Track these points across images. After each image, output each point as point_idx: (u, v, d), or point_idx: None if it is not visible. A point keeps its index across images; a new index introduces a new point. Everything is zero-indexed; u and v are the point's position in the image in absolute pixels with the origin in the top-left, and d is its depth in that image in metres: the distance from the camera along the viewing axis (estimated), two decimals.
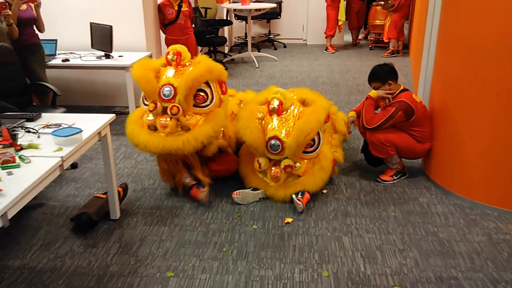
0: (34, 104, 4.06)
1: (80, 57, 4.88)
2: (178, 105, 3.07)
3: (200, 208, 3.26)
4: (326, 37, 8.65)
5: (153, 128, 3.17)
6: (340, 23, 8.49)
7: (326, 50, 8.69)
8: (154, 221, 3.11)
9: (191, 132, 3.12)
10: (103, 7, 5.09)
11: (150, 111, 3.11)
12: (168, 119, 3.09)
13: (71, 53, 5.04)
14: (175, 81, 3.09)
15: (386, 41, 8.27)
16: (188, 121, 3.13)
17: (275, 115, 3.28)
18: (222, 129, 3.44)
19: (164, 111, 3.11)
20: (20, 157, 2.31)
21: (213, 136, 3.19)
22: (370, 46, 8.99)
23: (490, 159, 3.09)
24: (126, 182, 3.53)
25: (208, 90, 3.19)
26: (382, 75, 3.50)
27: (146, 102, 3.21)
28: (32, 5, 4.25)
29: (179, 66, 3.18)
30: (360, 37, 9.76)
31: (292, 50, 8.87)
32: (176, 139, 3.08)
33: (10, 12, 3.88)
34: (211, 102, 3.20)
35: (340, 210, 3.21)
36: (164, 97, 3.07)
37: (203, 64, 3.19)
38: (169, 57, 3.18)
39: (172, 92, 3.07)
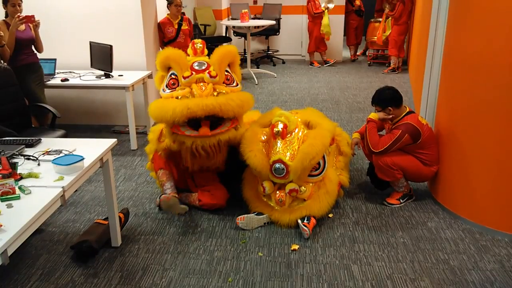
0: (33, 125, 3.98)
1: (80, 76, 4.81)
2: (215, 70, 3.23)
3: (204, 234, 3.17)
4: (308, 52, 8.83)
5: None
6: (326, 36, 8.56)
7: (311, 65, 8.84)
8: (157, 248, 3.02)
9: (228, 94, 3.20)
10: (103, 26, 5.04)
11: (185, 77, 3.19)
12: (206, 85, 3.17)
13: (70, 72, 4.97)
14: (207, 58, 3.32)
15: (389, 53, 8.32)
16: (225, 88, 3.23)
17: (280, 138, 3.22)
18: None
19: (198, 81, 3.20)
20: (20, 188, 2.23)
21: (242, 106, 3.26)
22: (368, 62, 9.00)
23: (499, 183, 3.03)
24: (127, 206, 3.44)
25: (230, 73, 3.41)
26: (382, 101, 3.45)
27: (167, 89, 3.28)
28: (31, 25, 4.19)
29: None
30: (358, 52, 9.77)
31: (291, 66, 8.86)
32: (216, 98, 3.13)
33: (2, 34, 3.83)
34: (237, 84, 3.42)
35: (347, 235, 3.14)
36: (197, 68, 3.21)
37: (222, 47, 3.41)
38: (196, 46, 3.38)
39: (205, 64, 3.25)
